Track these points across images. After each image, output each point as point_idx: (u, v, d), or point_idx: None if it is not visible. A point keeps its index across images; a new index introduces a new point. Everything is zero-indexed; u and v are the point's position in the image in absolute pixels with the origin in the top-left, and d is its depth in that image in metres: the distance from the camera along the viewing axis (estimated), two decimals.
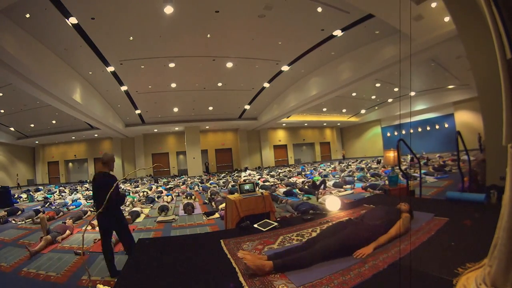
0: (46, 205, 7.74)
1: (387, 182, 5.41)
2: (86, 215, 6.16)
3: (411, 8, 6.27)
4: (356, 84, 11.90)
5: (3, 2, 5.19)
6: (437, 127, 17.92)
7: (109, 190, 2.21)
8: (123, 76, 10.69)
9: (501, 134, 1.34)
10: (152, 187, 11.22)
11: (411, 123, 19.71)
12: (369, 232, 2.10)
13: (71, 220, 5.10)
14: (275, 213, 3.97)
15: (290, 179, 10.05)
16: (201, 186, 10.57)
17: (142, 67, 10.03)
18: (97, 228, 4.69)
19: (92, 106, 11.43)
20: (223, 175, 15.88)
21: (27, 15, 6.17)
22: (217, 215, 5.37)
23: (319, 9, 7.13)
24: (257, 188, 5.46)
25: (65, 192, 11.51)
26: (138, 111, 15.03)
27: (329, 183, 7.60)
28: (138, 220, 5.56)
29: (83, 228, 3.62)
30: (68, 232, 4.39)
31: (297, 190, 7.20)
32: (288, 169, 16.11)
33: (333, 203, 3.56)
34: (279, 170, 15.28)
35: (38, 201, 9.67)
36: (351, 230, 2.13)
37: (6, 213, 6.55)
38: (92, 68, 9.80)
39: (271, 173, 13.32)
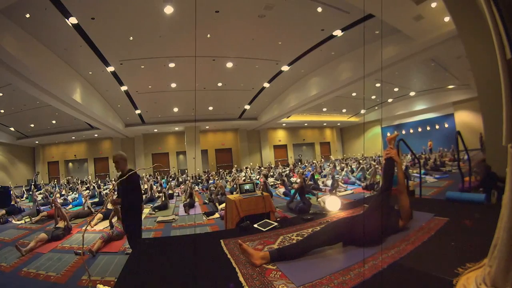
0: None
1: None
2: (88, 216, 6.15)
3: (410, 8, 6.28)
4: (356, 84, 11.88)
5: (3, 2, 5.19)
6: (437, 127, 17.91)
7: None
8: (123, 76, 10.67)
9: (501, 134, 1.34)
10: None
11: (411, 123, 19.75)
12: (361, 223, 2.05)
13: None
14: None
15: (290, 179, 10.04)
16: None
17: (142, 67, 10.02)
18: (97, 228, 4.72)
19: (92, 106, 11.41)
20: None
21: (27, 15, 6.16)
22: (217, 215, 5.37)
23: (319, 9, 7.12)
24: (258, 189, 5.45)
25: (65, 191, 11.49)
26: (138, 111, 15.00)
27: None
28: None
29: (83, 228, 3.62)
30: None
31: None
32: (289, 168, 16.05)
33: (333, 203, 3.55)
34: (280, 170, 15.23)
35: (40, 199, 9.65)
36: (344, 219, 2.17)
37: (5, 212, 6.56)
38: (92, 68, 9.78)
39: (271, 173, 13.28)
